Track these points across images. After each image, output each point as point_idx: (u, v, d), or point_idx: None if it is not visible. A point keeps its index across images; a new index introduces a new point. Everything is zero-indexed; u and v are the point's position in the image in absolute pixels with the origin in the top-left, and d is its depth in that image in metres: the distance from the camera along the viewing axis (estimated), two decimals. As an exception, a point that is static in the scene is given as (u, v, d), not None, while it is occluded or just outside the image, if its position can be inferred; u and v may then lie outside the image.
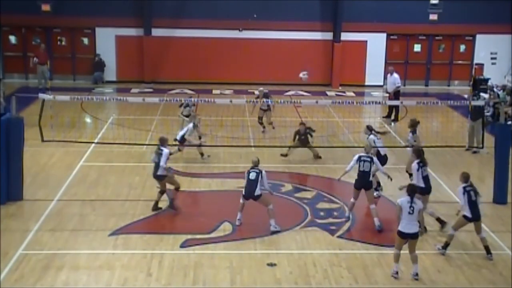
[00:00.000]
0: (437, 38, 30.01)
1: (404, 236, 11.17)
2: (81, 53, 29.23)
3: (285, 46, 29.05)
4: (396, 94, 23.11)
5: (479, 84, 27.31)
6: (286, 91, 27.67)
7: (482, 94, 26.45)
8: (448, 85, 30.33)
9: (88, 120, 22.53)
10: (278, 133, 20.36)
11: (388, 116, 23.09)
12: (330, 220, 13.82)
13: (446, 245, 12.30)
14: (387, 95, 23.75)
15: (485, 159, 17.81)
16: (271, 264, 11.63)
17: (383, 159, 15.18)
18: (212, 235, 12.91)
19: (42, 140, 15.12)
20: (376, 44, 29.48)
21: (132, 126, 20.86)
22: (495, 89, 24.76)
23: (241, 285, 10.98)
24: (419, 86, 30.02)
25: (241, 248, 12.39)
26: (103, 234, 12.80)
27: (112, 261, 11.69)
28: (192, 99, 19.31)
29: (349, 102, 18.03)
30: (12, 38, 29.05)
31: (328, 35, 29.22)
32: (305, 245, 12.50)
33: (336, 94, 27.94)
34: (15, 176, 14.26)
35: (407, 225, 11.10)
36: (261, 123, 20.82)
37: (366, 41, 29.51)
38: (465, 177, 12.31)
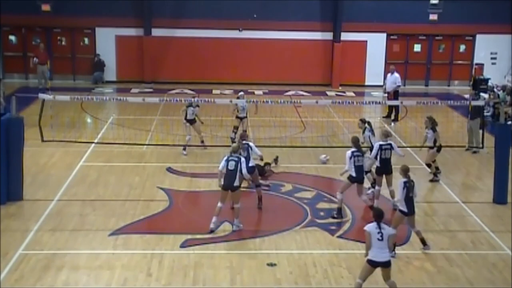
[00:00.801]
0: (437, 38, 30.02)
1: (375, 265, 10.29)
2: (81, 53, 29.24)
3: (285, 46, 29.05)
4: (395, 94, 23.11)
5: (479, 84, 27.34)
6: (286, 91, 27.68)
7: (482, 94, 26.49)
8: (448, 85, 30.34)
9: (88, 120, 22.54)
10: (279, 133, 20.36)
11: (388, 116, 23.09)
12: (330, 220, 13.81)
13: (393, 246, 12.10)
14: (385, 94, 23.74)
15: (485, 159, 17.82)
16: (271, 264, 11.63)
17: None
18: (212, 235, 12.91)
19: (42, 140, 15.13)
20: (376, 44, 29.48)
21: (132, 126, 20.87)
22: (495, 90, 24.77)
23: (241, 285, 10.98)
24: (419, 86, 30.03)
25: (241, 248, 12.39)
26: (103, 234, 12.80)
27: (112, 261, 11.68)
28: (196, 99, 18.47)
29: (349, 102, 18.05)
30: (12, 38, 29.07)
31: (328, 35, 29.22)
32: (305, 245, 12.50)
33: (336, 94, 27.94)
34: (15, 176, 14.25)
35: (378, 253, 10.18)
36: (235, 133, 18.89)
37: (366, 41, 29.52)
38: (405, 171, 12.15)
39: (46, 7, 28.40)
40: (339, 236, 13.01)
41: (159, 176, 16.42)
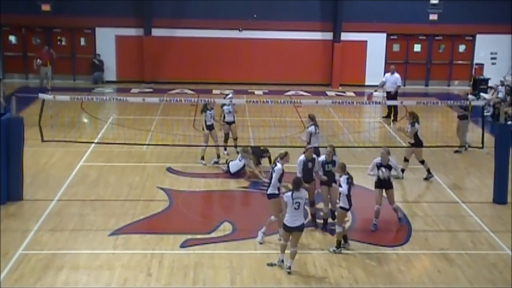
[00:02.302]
0: (437, 38, 30.01)
1: (289, 229, 11.28)
2: (81, 53, 29.24)
3: (285, 46, 29.05)
4: (394, 94, 23.12)
5: (479, 84, 27.36)
6: (286, 91, 27.69)
7: (482, 94, 26.49)
8: (448, 85, 30.34)
9: (88, 120, 22.53)
10: (279, 133, 20.36)
11: (388, 116, 23.08)
12: (330, 220, 13.80)
13: (339, 244, 12.27)
14: (380, 91, 23.72)
15: (485, 159, 17.81)
16: (271, 264, 11.63)
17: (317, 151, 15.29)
18: (212, 235, 12.91)
19: (42, 140, 15.12)
20: (376, 44, 29.48)
21: (132, 126, 20.87)
22: (501, 86, 24.64)
23: (241, 285, 10.98)
24: (419, 86, 30.03)
25: (241, 248, 12.39)
26: (103, 234, 12.80)
27: (112, 261, 11.68)
28: (210, 100, 17.35)
29: (349, 102, 18.03)
30: (12, 38, 29.05)
31: (328, 35, 29.22)
32: (305, 245, 12.49)
33: (336, 94, 27.94)
34: (15, 176, 14.25)
35: (292, 220, 11.20)
36: (226, 141, 18.05)
37: (366, 41, 29.52)
38: (343, 168, 12.25)
39: (46, 7, 28.40)
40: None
41: (159, 176, 16.42)
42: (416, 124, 16.36)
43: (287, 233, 11.33)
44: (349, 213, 14.07)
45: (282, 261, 11.46)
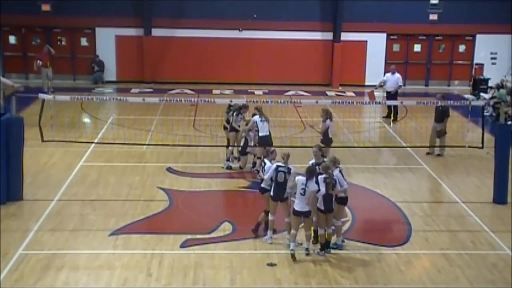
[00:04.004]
0: (437, 38, 30.01)
1: (298, 214, 11.79)
2: (81, 53, 29.25)
3: (285, 46, 29.05)
4: (394, 94, 23.13)
5: (479, 84, 27.35)
6: (286, 91, 27.68)
7: (482, 94, 26.49)
8: (448, 85, 30.33)
9: (88, 120, 22.54)
10: (279, 133, 20.34)
11: (388, 116, 23.08)
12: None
13: (322, 247, 12.10)
14: (380, 91, 23.74)
15: (485, 159, 17.80)
16: (271, 264, 11.62)
17: (262, 141, 15.25)
18: (212, 235, 12.91)
19: (42, 140, 15.10)
20: (376, 44, 29.49)
21: (132, 126, 20.87)
22: (506, 83, 24.57)
23: (241, 285, 10.98)
24: (419, 86, 30.02)
25: (241, 248, 12.38)
26: (103, 234, 12.80)
27: (112, 261, 11.68)
28: (234, 102, 16.94)
29: (349, 102, 18.02)
30: (12, 38, 29.06)
31: (328, 35, 29.22)
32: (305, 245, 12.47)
33: (336, 94, 27.95)
34: (15, 176, 14.24)
35: (300, 205, 11.74)
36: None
37: (366, 41, 29.52)
38: (326, 168, 12.02)
39: (46, 7, 28.40)
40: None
41: (159, 176, 16.42)
42: (328, 121, 16.17)
43: (297, 217, 11.82)
44: (349, 213, 14.12)
45: (293, 249, 11.78)
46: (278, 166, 12.24)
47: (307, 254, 11.83)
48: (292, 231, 11.90)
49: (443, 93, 19.62)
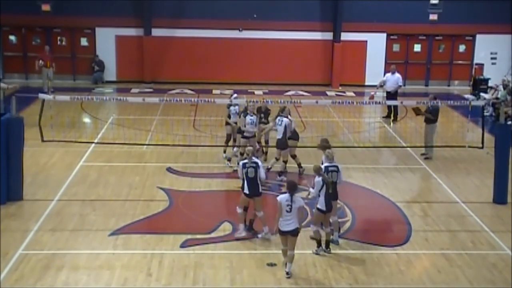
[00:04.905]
0: (437, 38, 29.99)
1: (283, 233, 11.14)
2: (81, 53, 29.24)
3: (285, 46, 29.05)
4: (394, 94, 23.13)
5: (479, 84, 27.35)
6: (286, 91, 27.68)
7: (482, 94, 26.49)
8: (448, 85, 30.32)
9: (88, 120, 22.54)
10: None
11: (388, 116, 23.08)
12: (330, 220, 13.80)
13: (319, 244, 12.14)
14: (380, 91, 23.73)
15: (485, 159, 17.81)
16: (271, 264, 11.62)
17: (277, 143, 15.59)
18: (212, 235, 12.91)
19: (42, 140, 15.11)
20: (376, 44, 29.47)
21: (132, 126, 20.87)
22: (501, 86, 24.55)
23: (241, 285, 10.98)
24: (419, 86, 30.01)
25: (241, 248, 12.39)
26: (103, 234, 12.80)
27: (112, 261, 11.69)
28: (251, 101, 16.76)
29: (349, 102, 18.02)
30: (12, 38, 29.05)
31: (328, 35, 29.22)
32: (305, 245, 12.48)
33: (336, 94, 27.95)
34: (15, 176, 14.25)
35: (285, 223, 11.03)
36: (227, 142, 17.51)
37: (366, 41, 29.51)
38: (318, 170, 12.01)
39: (46, 7, 28.39)
40: (339, 236, 12.98)
41: (159, 176, 16.42)
42: (285, 119, 16.15)
43: (283, 237, 11.22)
44: (349, 213, 14.13)
45: (286, 263, 11.29)
46: (244, 164, 12.44)
47: (288, 278, 11.10)
48: (282, 247, 11.32)
49: (435, 94, 19.60)
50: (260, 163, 12.56)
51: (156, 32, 28.81)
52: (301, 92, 27.72)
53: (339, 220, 13.83)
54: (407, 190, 15.99)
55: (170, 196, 14.97)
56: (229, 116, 17.38)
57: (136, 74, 28.96)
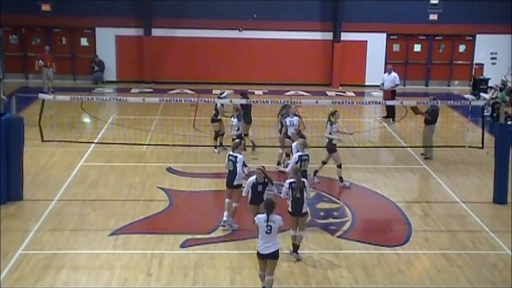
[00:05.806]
0: (437, 38, 30.00)
1: (262, 257, 10.30)
2: (81, 53, 29.25)
3: (285, 46, 29.05)
4: (393, 94, 23.13)
5: (479, 84, 27.35)
6: (286, 91, 27.69)
7: (482, 94, 26.48)
8: (448, 85, 30.33)
9: (88, 120, 22.54)
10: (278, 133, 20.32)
11: (388, 116, 23.08)
12: (330, 220, 13.82)
13: (295, 248, 11.94)
14: (381, 88, 23.79)
15: (485, 159, 17.81)
16: (271, 264, 11.61)
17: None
18: (212, 235, 12.91)
19: (42, 140, 15.11)
20: (376, 44, 29.47)
21: (132, 126, 20.87)
22: (501, 86, 24.52)
23: (241, 285, 10.98)
24: (419, 86, 30.02)
25: (241, 248, 12.39)
26: (103, 234, 12.80)
27: (112, 261, 11.69)
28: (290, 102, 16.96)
29: (349, 102, 18.03)
30: (12, 38, 29.05)
31: (328, 35, 29.22)
32: (305, 245, 12.48)
33: (336, 94, 27.95)
34: (15, 176, 14.25)
35: (264, 246, 10.19)
36: (216, 138, 18.42)
37: (366, 41, 29.51)
38: (296, 171, 12.01)
39: (46, 7, 28.39)
40: (339, 236, 13.01)
41: (159, 176, 16.42)
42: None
43: (262, 261, 10.34)
44: (349, 213, 14.13)
45: None
46: (229, 155, 13.07)
47: None
48: (259, 272, 10.54)
49: (435, 95, 19.61)
50: (239, 157, 12.92)
51: (156, 32, 28.81)
52: (301, 92, 27.72)
53: (339, 220, 13.89)
54: (407, 190, 15.99)
55: (170, 196, 14.97)
56: (216, 114, 18.09)
57: (136, 74, 28.97)
